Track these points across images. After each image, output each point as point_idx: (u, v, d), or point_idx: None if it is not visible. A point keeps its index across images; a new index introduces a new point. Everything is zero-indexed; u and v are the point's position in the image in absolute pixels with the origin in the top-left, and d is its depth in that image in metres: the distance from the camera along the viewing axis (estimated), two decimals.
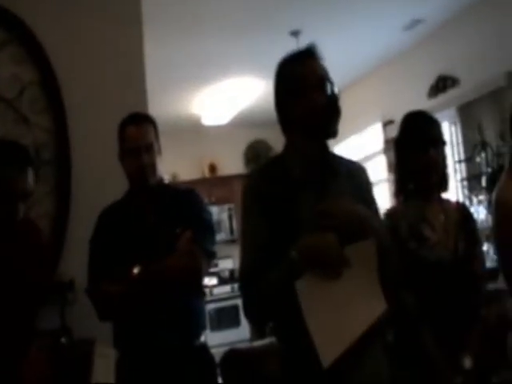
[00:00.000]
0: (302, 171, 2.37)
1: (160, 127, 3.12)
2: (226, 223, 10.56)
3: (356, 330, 2.14)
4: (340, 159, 2.53)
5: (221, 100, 8.91)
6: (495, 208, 2.84)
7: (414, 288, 2.74)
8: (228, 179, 10.54)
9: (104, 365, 3.23)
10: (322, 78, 2.37)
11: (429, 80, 7.46)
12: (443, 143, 2.93)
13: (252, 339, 7.36)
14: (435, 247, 2.83)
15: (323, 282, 2.14)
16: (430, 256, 2.80)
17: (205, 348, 3.06)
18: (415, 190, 2.94)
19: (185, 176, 10.22)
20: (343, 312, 2.15)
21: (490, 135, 6.20)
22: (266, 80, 7.97)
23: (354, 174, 2.51)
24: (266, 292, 2.22)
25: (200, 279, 3.05)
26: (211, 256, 3.03)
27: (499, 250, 2.88)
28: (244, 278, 2.33)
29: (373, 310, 2.18)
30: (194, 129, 10.22)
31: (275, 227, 2.26)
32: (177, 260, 2.82)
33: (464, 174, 6.82)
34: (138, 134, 3.00)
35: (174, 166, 9.97)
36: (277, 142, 10.08)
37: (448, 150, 3.05)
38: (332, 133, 2.39)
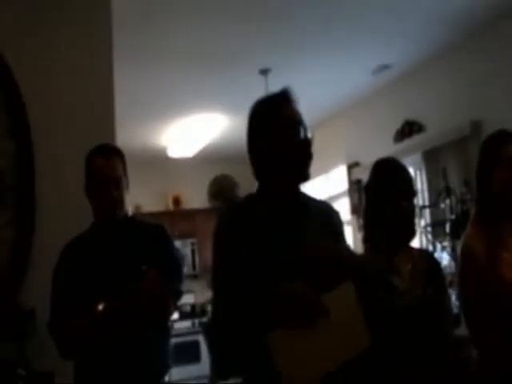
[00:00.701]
0: (275, 212, 2.36)
1: (126, 157, 3.05)
2: (188, 258, 10.44)
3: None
4: (312, 200, 2.53)
5: (187, 134, 8.90)
6: (460, 257, 2.88)
7: (383, 336, 2.68)
8: (192, 213, 10.52)
9: None
10: (296, 123, 2.38)
11: (395, 124, 7.53)
12: (414, 194, 2.91)
13: (212, 377, 7.26)
14: (403, 296, 2.79)
15: (299, 333, 2.09)
16: (399, 304, 2.76)
17: None
18: (384, 239, 2.89)
19: (148, 208, 10.14)
20: (319, 359, 2.11)
21: (455, 182, 6.25)
22: (234, 117, 8.06)
23: (326, 214, 2.51)
24: (238, 338, 2.19)
25: (166, 319, 2.99)
26: (178, 295, 2.96)
27: (463, 298, 2.91)
28: (217, 322, 2.29)
29: (354, 345, 2.16)
30: (159, 161, 10.17)
31: (248, 268, 2.22)
32: (143, 299, 2.72)
33: (428, 220, 6.84)
34: (106, 167, 2.91)
35: (137, 197, 9.87)
36: (242, 177, 9.99)
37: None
38: (304, 177, 2.40)
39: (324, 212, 2.51)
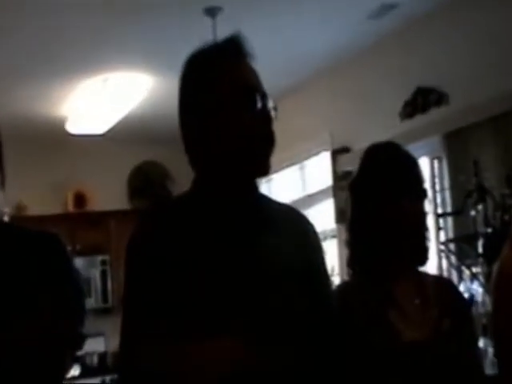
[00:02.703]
0: (218, 221, 2.39)
1: (1, 133, 2.95)
2: (97, 283, 10.53)
3: None
4: (275, 206, 2.59)
5: (97, 101, 8.89)
6: (494, 288, 2.88)
7: None
8: (103, 217, 10.66)
9: None
10: (251, 89, 2.41)
11: (403, 93, 7.51)
12: (423, 193, 2.93)
13: None
14: (402, 336, 2.82)
15: None
16: (395, 347, 2.79)
17: None
18: (379, 259, 2.91)
19: (36, 209, 10.20)
20: None
21: (492, 178, 6.23)
22: (164, 77, 8.01)
23: (296, 227, 2.56)
24: None
25: (61, 378, 2.92)
26: (79, 341, 2.96)
27: (498, 347, 2.92)
28: (127, 374, 2.34)
29: None
30: (54, 139, 10.20)
31: (173, 305, 2.28)
32: (27, 341, 2.68)
33: (450, 234, 6.85)
34: None
35: (20, 193, 9.83)
36: (176, 166, 9.98)
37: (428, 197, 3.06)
38: (262, 168, 2.43)
39: (293, 224, 2.55)
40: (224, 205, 2.41)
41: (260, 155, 2.40)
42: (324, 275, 2.59)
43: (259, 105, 2.38)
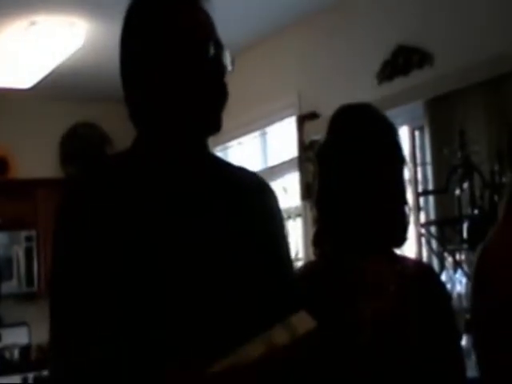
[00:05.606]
0: (164, 185, 2.43)
1: None
2: (20, 263, 10.41)
3: None
4: (230, 169, 2.67)
5: (22, 49, 8.77)
6: (474, 279, 3.01)
7: None
8: (28, 186, 10.61)
9: None
10: (204, 37, 2.45)
11: (382, 52, 7.52)
12: (401, 160, 2.96)
13: None
14: (366, 330, 2.84)
15: None
16: (360, 340, 2.82)
17: None
18: (349, 237, 2.94)
19: None
20: None
21: (481, 152, 6.24)
22: (104, 22, 7.93)
23: (253, 194, 2.61)
24: None
25: None
26: None
27: (476, 346, 3.06)
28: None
29: None
30: None
31: (112, 286, 2.29)
32: None
33: (432, 216, 6.87)
34: None
35: None
36: (117, 128, 10.07)
37: (406, 172, 3.08)
38: (213, 126, 2.48)
39: (249, 190, 2.60)
40: (171, 164, 2.46)
41: (211, 109, 2.44)
42: (281, 242, 2.61)
43: (211, 55, 2.42)
